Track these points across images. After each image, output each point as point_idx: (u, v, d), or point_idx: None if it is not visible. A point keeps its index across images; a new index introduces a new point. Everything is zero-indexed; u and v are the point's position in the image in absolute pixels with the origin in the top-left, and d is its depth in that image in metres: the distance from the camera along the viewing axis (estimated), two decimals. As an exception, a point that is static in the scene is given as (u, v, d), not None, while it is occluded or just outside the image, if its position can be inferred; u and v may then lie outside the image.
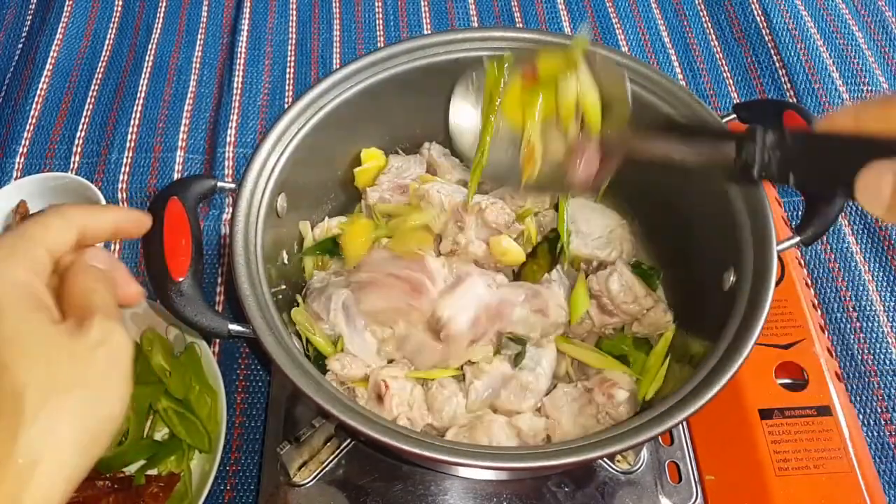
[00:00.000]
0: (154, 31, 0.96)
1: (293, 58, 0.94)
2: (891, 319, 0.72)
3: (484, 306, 0.55)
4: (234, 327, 0.47)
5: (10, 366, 0.31)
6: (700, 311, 0.57)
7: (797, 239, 0.50)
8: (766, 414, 0.58)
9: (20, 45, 0.94)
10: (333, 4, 1.00)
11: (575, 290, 0.60)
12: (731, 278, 0.52)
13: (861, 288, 0.74)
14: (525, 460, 0.43)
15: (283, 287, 0.57)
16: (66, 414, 0.31)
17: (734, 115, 0.57)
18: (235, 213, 0.51)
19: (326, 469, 0.58)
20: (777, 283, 0.64)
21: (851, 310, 0.72)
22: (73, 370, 0.32)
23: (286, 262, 0.58)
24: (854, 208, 0.79)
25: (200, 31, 0.96)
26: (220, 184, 0.51)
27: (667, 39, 0.95)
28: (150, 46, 0.94)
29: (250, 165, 0.53)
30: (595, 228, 0.64)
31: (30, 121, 0.86)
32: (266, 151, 0.54)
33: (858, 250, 0.76)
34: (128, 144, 0.84)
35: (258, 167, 0.53)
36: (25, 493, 0.29)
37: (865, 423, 0.66)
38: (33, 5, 0.99)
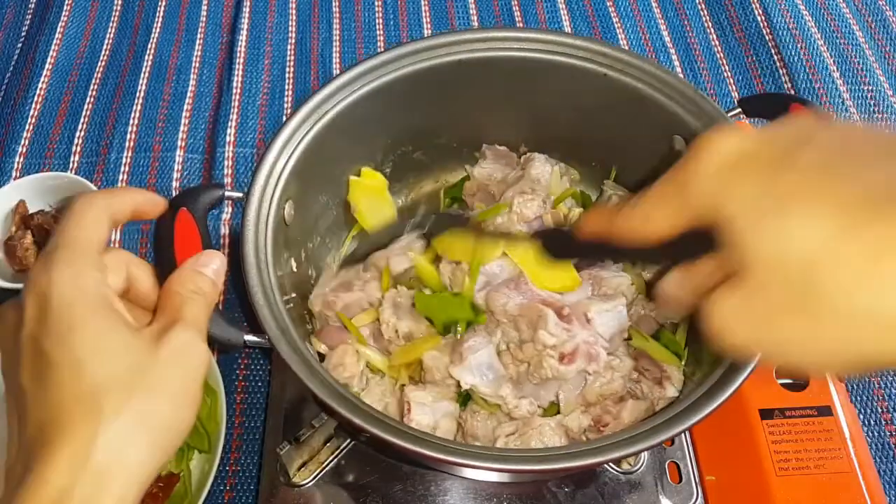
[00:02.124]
0: (153, 30, 0.96)
1: (293, 57, 0.94)
2: (891, 319, 0.72)
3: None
4: (249, 338, 0.46)
5: (88, 365, 0.31)
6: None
7: None
8: (766, 414, 0.58)
9: (19, 45, 0.94)
10: (333, 4, 0.99)
11: None
12: None
13: (861, 288, 0.73)
14: (529, 462, 0.43)
15: (294, 295, 0.56)
16: (143, 417, 0.32)
17: (739, 110, 0.57)
18: (245, 222, 0.50)
19: (326, 469, 0.58)
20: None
21: (852, 310, 0.72)
22: (151, 376, 0.33)
23: (294, 269, 0.58)
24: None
25: (200, 30, 0.96)
26: (227, 193, 0.50)
27: (667, 39, 0.95)
28: (149, 46, 0.94)
29: (257, 174, 0.52)
30: None
31: (29, 120, 0.85)
32: (272, 159, 0.53)
33: (859, 250, 0.76)
34: (127, 144, 0.84)
35: (265, 175, 0.52)
36: (104, 491, 0.30)
37: (866, 423, 0.66)
38: (32, 5, 0.99)
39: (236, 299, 0.73)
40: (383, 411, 0.55)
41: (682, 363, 0.57)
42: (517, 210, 0.61)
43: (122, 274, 0.37)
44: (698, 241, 0.32)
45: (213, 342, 0.44)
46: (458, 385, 0.54)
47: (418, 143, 0.67)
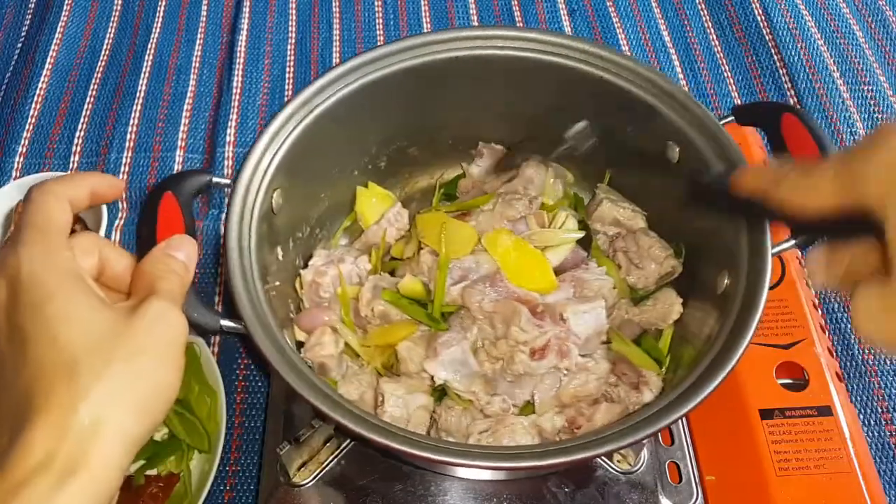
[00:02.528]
0: (153, 30, 0.96)
1: (293, 57, 0.94)
2: (891, 319, 0.72)
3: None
4: (225, 323, 0.46)
5: (60, 339, 0.32)
6: (694, 312, 0.57)
7: (793, 242, 0.49)
8: (766, 414, 0.58)
9: (19, 45, 0.94)
10: (333, 4, 0.99)
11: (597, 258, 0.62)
12: (726, 281, 0.51)
13: (861, 288, 0.73)
14: (522, 459, 0.43)
15: (278, 284, 0.57)
16: (124, 382, 0.32)
17: (732, 118, 0.56)
18: (230, 208, 0.51)
19: (326, 469, 0.58)
20: (777, 284, 0.64)
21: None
22: (128, 343, 0.33)
23: (280, 257, 0.58)
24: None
25: (200, 30, 0.96)
26: (215, 179, 0.51)
27: (667, 39, 0.95)
28: (149, 46, 0.94)
29: (246, 162, 0.53)
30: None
31: (29, 120, 0.85)
32: (262, 148, 0.53)
33: (859, 250, 0.76)
34: (127, 144, 0.84)
35: (254, 163, 0.53)
36: (89, 452, 0.30)
37: (866, 423, 0.66)
38: (32, 5, 0.99)
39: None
40: (359, 401, 0.55)
41: (664, 370, 0.57)
42: (500, 210, 0.61)
43: (94, 256, 0.38)
44: (854, 224, 0.33)
45: (191, 326, 0.44)
46: (433, 379, 0.55)
47: (413, 138, 0.67)
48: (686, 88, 0.90)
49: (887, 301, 0.30)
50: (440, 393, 0.57)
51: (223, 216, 0.78)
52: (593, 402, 0.55)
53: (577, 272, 0.60)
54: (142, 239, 0.43)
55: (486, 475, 0.57)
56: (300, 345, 0.58)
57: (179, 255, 0.40)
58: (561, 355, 0.53)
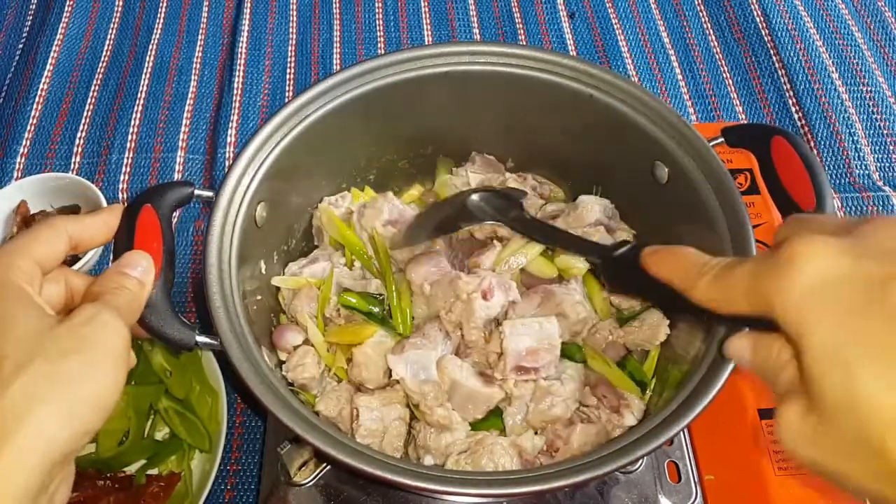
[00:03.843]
0: (154, 31, 0.96)
1: (293, 58, 0.94)
2: (890, 319, 0.72)
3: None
4: (201, 339, 0.45)
5: None
6: (680, 334, 0.57)
7: None
8: (765, 414, 0.58)
9: (20, 46, 0.95)
10: (334, 5, 1.00)
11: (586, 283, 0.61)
12: None
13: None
14: (498, 486, 0.43)
15: (259, 297, 0.56)
16: (46, 379, 0.32)
17: (722, 139, 0.55)
18: (211, 222, 0.50)
19: (327, 468, 0.58)
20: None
21: (851, 310, 0.72)
22: (51, 342, 0.33)
23: (263, 271, 0.58)
24: (852, 207, 0.79)
25: (201, 31, 0.96)
26: (196, 191, 0.50)
27: (666, 40, 0.95)
28: (150, 47, 0.94)
29: (229, 175, 0.52)
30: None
31: (30, 121, 0.86)
32: (246, 160, 0.53)
33: (858, 250, 0.76)
34: (128, 145, 0.84)
35: (237, 175, 0.52)
36: (2, 446, 0.30)
37: (865, 422, 0.66)
38: (34, 6, 0.99)
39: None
40: (338, 417, 0.55)
41: (650, 391, 0.56)
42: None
43: (61, 284, 0.40)
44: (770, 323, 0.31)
45: (166, 342, 0.44)
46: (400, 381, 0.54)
47: (403, 152, 0.66)
48: (685, 89, 0.90)
49: (806, 423, 0.30)
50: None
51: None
52: (568, 424, 0.55)
53: (551, 286, 0.58)
54: (117, 255, 0.43)
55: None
56: (282, 360, 0.58)
57: (133, 272, 0.40)
58: (506, 289, 0.55)
